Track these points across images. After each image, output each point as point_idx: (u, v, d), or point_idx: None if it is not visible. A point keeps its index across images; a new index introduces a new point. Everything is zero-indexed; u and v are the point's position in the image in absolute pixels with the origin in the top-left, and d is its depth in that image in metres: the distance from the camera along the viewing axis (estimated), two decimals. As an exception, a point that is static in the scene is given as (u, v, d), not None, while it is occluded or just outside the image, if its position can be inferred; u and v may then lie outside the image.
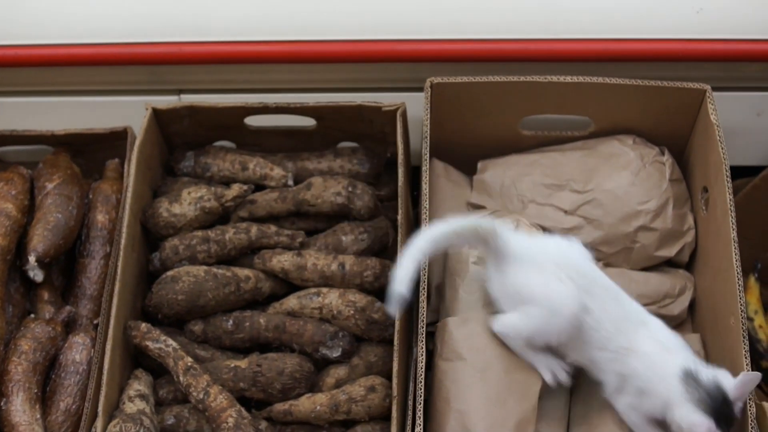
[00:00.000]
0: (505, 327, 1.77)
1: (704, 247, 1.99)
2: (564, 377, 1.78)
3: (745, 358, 1.74)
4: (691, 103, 2.00)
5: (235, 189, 1.99)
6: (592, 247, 1.98)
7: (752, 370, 1.98)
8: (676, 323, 2.00)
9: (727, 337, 1.81)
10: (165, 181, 2.07)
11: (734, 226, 1.81)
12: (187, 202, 1.98)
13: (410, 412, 1.75)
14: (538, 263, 1.76)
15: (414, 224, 1.97)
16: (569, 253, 1.80)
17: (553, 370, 1.78)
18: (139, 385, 1.87)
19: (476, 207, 2.03)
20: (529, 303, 1.74)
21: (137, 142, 1.98)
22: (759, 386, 2.04)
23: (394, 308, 1.72)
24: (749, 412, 1.71)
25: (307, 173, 2.06)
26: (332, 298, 1.92)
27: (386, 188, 2.08)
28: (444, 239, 1.75)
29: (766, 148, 2.19)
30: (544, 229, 1.95)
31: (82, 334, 1.91)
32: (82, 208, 2.03)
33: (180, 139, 2.11)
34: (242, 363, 1.89)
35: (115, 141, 2.11)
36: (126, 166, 2.03)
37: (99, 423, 1.78)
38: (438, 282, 1.95)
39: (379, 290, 1.95)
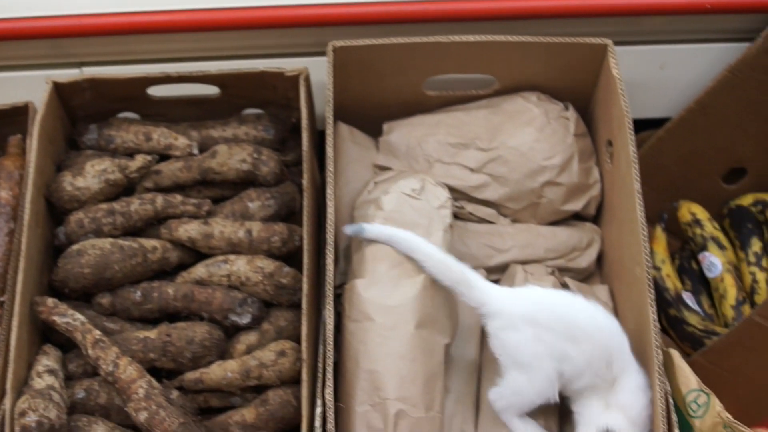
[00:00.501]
0: (497, 400, 1.80)
1: (610, 199, 2.00)
2: None
3: (651, 306, 1.75)
4: (593, 58, 2.01)
5: (139, 160, 1.97)
6: (499, 204, 1.99)
7: (661, 319, 2.02)
8: (584, 276, 2.02)
9: (634, 287, 1.83)
10: (69, 155, 2.04)
11: (638, 178, 1.83)
12: (90, 175, 1.96)
13: (320, 375, 1.75)
14: (514, 320, 1.76)
15: (321, 188, 1.96)
16: (546, 303, 1.79)
17: None
18: (48, 360, 1.85)
19: (382, 168, 2.03)
20: (511, 365, 1.77)
21: (38, 117, 1.95)
22: (668, 335, 2.07)
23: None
24: (656, 360, 1.72)
25: (212, 141, 2.05)
26: (240, 264, 1.91)
27: (292, 154, 2.07)
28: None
29: (670, 100, 2.21)
30: (451, 189, 1.95)
31: (-12, 311, 1.89)
32: (-16, 186, 2.01)
33: (83, 112, 2.08)
34: (152, 333, 1.88)
35: (16, 117, 2.08)
36: (28, 141, 2.00)
37: (7, 400, 1.76)
38: (345, 245, 1.94)
39: (287, 255, 1.95)
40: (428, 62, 2.03)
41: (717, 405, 1.68)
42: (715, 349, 1.86)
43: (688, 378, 1.74)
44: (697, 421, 1.70)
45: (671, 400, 1.70)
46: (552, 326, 1.73)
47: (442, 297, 1.82)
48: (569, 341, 1.72)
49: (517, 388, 1.75)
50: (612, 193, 1.98)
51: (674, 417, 1.68)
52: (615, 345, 1.73)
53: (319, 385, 1.75)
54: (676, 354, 1.76)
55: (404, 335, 1.77)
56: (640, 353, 1.78)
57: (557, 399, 1.75)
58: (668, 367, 1.76)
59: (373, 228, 1.81)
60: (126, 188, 1.99)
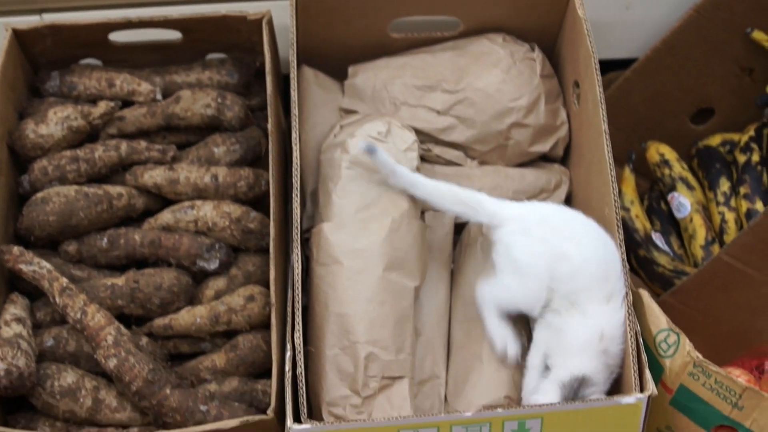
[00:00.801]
0: (484, 292, 1.79)
1: (578, 140, 2.00)
2: (513, 354, 1.78)
3: (620, 247, 1.75)
4: (558, -2, 2.01)
5: (102, 106, 1.95)
6: (466, 146, 1.98)
7: (630, 260, 2.02)
8: (552, 217, 2.01)
9: (604, 227, 1.82)
10: (31, 103, 2.02)
11: (605, 118, 1.82)
12: (53, 122, 1.94)
13: (289, 319, 1.75)
14: (526, 224, 1.77)
15: (287, 133, 1.95)
16: (556, 209, 1.82)
17: (505, 343, 1.78)
18: (15, 309, 1.83)
19: (348, 112, 2.01)
20: (509, 270, 1.76)
21: (-2, 65, 1.93)
22: (638, 275, 2.07)
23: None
24: (627, 300, 1.72)
25: (175, 87, 2.03)
26: (207, 210, 1.90)
27: (257, 98, 2.06)
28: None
29: (637, 40, 2.20)
30: (418, 131, 1.94)
31: (-47, 261, 1.88)
32: (-55, 136, 1.99)
33: (44, 60, 2.05)
34: (119, 280, 1.86)
35: (-24, 66, 2.06)
36: (-11, 89, 1.98)
37: (-26, 349, 1.75)
38: (312, 188, 1.93)
39: (253, 200, 1.94)
40: (393, 4, 2.01)
41: (687, 344, 1.68)
42: (684, 289, 1.86)
43: (657, 318, 1.74)
44: (668, 361, 1.70)
45: (641, 340, 1.71)
46: (559, 226, 1.76)
47: (411, 239, 1.81)
48: (571, 241, 1.74)
49: (507, 289, 1.77)
50: (579, 134, 1.98)
51: (644, 357, 1.68)
52: (612, 259, 1.74)
53: (289, 329, 1.74)
54: (645, 294, 1.76)
55: (373, 278, 1.76)
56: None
57: (539, 312, 1.76)
58: (638, 307, 1.76)
59: (382, 155, 1.80)
60: (90, 135, 1.97)
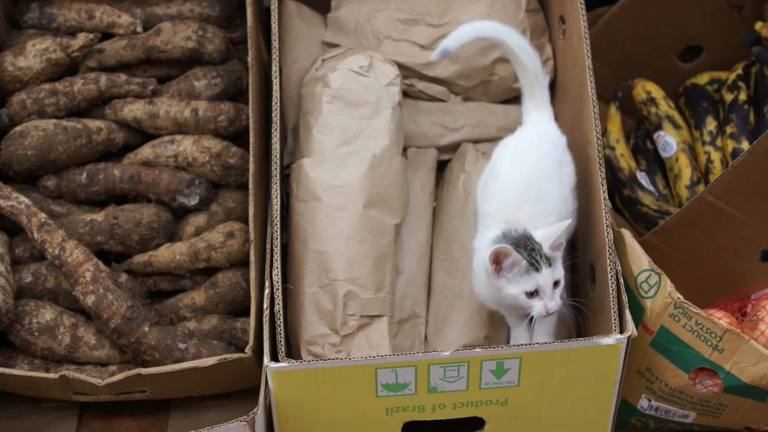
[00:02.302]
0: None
1: (563, 77, 1.97)
2: None
3: (602, 185, 1.74)
4: (546, -68, 1.98)
5: (81, 38, 1.93)
6: (450, 81, 1.96)
7: (615, 199, 2.01)
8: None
9: (587, 165, 1.81)
10: (9, 35, 2.00)
11: (589, 54, 1.80)
12: (32, 54, 1.92)
13: (268, 256, 1.73)
14: None
15: (268, 66, 1.92)
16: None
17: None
18: (-7, 244, 1.83)
19: (331, 45, 1.98)
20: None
21: (-23, -4, 1.91)
22: (622, 215, 2.06)
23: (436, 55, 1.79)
24: (606, 239, 1.71)
25: (156, 19, 2.00)
26: (186, 145, 1.89)
27: (239, 31, 2.03)
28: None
29: (625, -25, 2.17)
30: (401, 66, 1.92)
31: (-70, 195, 1.86)
32: None
33: (24, -10, 2.03)
34: (98, 216, 1.85)
35: (-46, -5, 2.03)
36: (-33, 20, 1.95)
37: (-49, 284, 1.74)
38: (293, 124, 1.91)
39: (234, 135, 1.93)
40: (378, -64, 1.98)
41: (668, 285, 1.67)
42: (666, 229, 1.84)
43: (639, 258, 1.72)
44: (648, 302, 1.69)
45: (622, 280, 1.69)
46: None
47: (392, 176, 1.80)
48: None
49: None
50: (564, 70, 1.95)
51: (625, 297, 1.67)
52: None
53: (267, 266, 1.73)
54: (627, 233, 1.74)
55: (352, 215, 1.75)
56: (591, 233, 1.77)
57: None
58: (619, 246, 1.74)
59: (453, 39, 1.80)
60: (69, 68, 1.96)
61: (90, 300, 1.75)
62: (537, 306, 1.64)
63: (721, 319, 1.76)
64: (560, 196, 1.75)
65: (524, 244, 1.64)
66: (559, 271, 1.66)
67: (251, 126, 1.82)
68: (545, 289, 1.64)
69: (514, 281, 1.64)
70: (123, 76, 1.93)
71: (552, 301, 1.64)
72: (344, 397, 1.66)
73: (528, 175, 1.73)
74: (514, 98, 2.01)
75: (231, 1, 2.03)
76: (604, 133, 2.10)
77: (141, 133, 1.93)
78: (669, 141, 2.07)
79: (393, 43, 1.96)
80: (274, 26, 1.85)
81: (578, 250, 1.85)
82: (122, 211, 1.85)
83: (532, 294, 1.64)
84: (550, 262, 1.64)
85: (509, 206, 1.71)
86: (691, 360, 1.68)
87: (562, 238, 1.65)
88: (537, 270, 1.63)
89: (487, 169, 1.79)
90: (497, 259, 1.62)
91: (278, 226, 1.72)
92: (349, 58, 1.86)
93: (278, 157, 1.77)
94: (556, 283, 1.65)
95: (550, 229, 1.65)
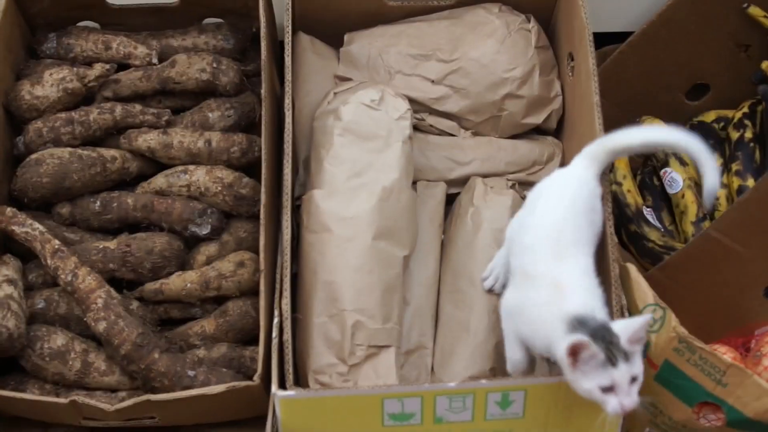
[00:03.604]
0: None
1: (571, 113, 2.00)
2: (521, 368, 1.73)
3: (609, 220, 1.76)
4: (555, -31, 2.00)
5: (98, 68, 1.96)
6: (460, 116, 1.98)
7: (621, 235, 2.02)
8: (544, 190, 2.01)
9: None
10: (27, 64, 2.02)
11: (597, 91, 1.82)
12: (49, 83, 1.94)
13: (278, 286, 1.75)
14: None
15: (281, 99, 1.95)
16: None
17: (516, 365, 1.72)
18: (7, 270, 1.84)
19: (343, 79, 2.01)
20: None
21: (-4, 25, 1.94)
22: (628, 251, 2.08)
23: None
24: (612, 274, 1.73)
25: (171, 51, 2.03)
26: (199, 175, 1.91)
27: (253, 64, 2.06)
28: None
29: (633, 14, 2.19)
30: (412, 100, 1.95)
31: (-54, 221, 1.88)
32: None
33: (42, 21, 2.06)
34: (111, 244, 1.87)
35: (-26, 24, 2.06)
36: (-14, 49, 1.98)
37: (-34, 309, 1.76)
38: (305, 156, 1.94)
39: (246, 166, 1.95)
40: (390, -28, 2.01)
41: (673, 320, 1.69)
42: (672, 264, 1.86)
43: (644, 292, 1.74)
44: (653, 336, 1.71)
45: (627, 315, 1.71)
46: None
47: (401, 208, 1.82)
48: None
49: None
50: (573, 106, 1.98)
51: (630, 331, 1.69)
52: None
53: (277, 296, 1.75)
54: (632, 268, 1.76)
55: (362, 246, 1.77)
56: (598, 267, 1.78)
57: None
58: (625, 281, 1.76)
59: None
60: (85, 98, 1.98)
61: (101, 326, 1.77)
62: (612, 402, 1.54)
63: (725, 354, 1.77)
64: (589, 236, 1.73)
65: (602, 335, 1.54)
66: (637, 367, 1.56)
67: (263, 157, 1.84)
68: (621, 386, 1.54)
69: (590, 375, 1.54)
70: (138, 107, 1.95)
71: (628, 398, 1.54)
72: (351, 426, 1.67)
73: (566, 207, 1.71)
74: (522, 134, 2.03)
75: (245, 35, 2.06)
76: (612, 169, 2.12)
77: (155, 163, 1.95)
78: (675, 177, 2.09)
79: (404, 77, 1.99)
80: (288, 59, 1.88)
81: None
82: (135, 240, 1.87)
83: (607, 389, 1.54)
84: (627, 356, 1.54)
85: (547, 236, 1.69)
86: (694, 394, 1.70)
87: (641, 332, 1.56)
88: (614, 365, 1.53)
89: (523, 208, 1.79)
90: (575, 352, 1.53)
91: (288, 256, 1.74)
92: (360, 91, 1.89)
93: (289, 188, 1.79)
94: (633, 379, 1.55)
95: (630, 322, 1.57)
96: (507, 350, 1.73)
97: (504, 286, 1.79)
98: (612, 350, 1.54)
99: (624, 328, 1.56)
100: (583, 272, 1.67)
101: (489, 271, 1.83)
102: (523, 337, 1.68)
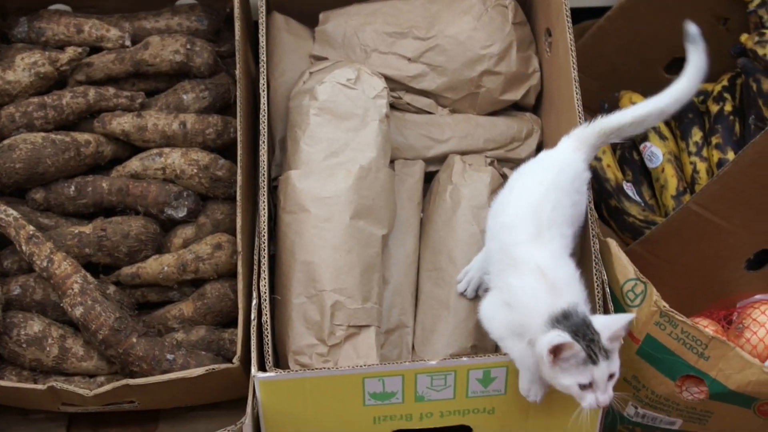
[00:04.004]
0: None
1: (549, 89, 1.99)
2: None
3: (589, 196, 1.75)
4: (530, -55, 1.99)
5: (70, 52, 1.94)
6: (437, 94, 1.97)
7: (601, 210, 2.01)
8: (523, 166, 2.00)
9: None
10: (-1, 49, 2.01)
11: (575, 66, 1.81)
12: (20, 68, 1.92)
13: (256, 267, 1.74)
14: None
15: (256, 80, 1.93)
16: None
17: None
18: (-19, 256, 1.83)
19: (318, 59, 1.99)
20: None
21: (-34, 10, 1.92)
22: (609, 226, 2.07)
23: None
24: (593, 249, 1.72)
25: (145, 33, 2.01)
26: (175, 157, 1.89)
27: (227, 44, 2.04)
28: None
29: (611, -13, 2.18)
30: (388, 79, 1.93)
31: None
32: None
33: (13, 5, 2.04)
34: (86, 228, 1.86)
35: (-58, 10, 2.04)
36: (-44, 34, 1.96)
37: (-61, 296, 1.75)
38: (281, 136, 1.92)
39: (222, 147, 1.93)
40: (365, -50, 2.00)
41: (654, 294, 1.68)
42: (652, 239, 1.85)
43: (625, 267, 1.73)
44: (635, 310, 1.70)
45: (608, 290, 1.70)
46: None
47: (379, 187, 1.80)
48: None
49: None
50: (551, 82, 1.97)
51: (611, 306, 1.68)
52: None
53: (255, 277, 1.73)
54: (613, 243, 1.75)
55: (339, 226, 1.76)
56: (578, 242, 1.77)
57: None
58: (605, 256, 1.75)
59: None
60: (58, 82, 1.96)
61: (78, 311, 1.75)
62: (588, 398, 1.55)
63: (707, 327, 1.77)
64: (572, 217, 1.71)
65: (583, 332, 1.53)
66: (615, 364, 1.56)
67: (239, 138, 1.83)
68: (599, 383, 1.54)
69: (569, 372, 1.54)
70: (111, 90, 1.93)
71: (604, 395, 1.55)
72: (332, 406, 1.67)
73: (548, 187, 1.68)
74: (500, 110, 2.02)
75: (219, 15, 2.04)
76: (591, 145, 2.10)
77: (129, 146, 1.94)
78: (655, 152, 2.08)
79: (380, 56, 1.97)
80: (262, 40, 1.86)
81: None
82: (110, 224, 1.86)
83: (585, 386, 1.55)
84: (607, 354, 1.54)
85: (527, 213, 1.66)
86: (677, 367, 1.69)
87: (622, 331, 1.56)
88: (594, 363, 1.53)
89: (504, 189, 1.76)
90: (556, 351, 1.52)
91: (266, 237, 1.73)
92: (336, 71, 1.87)
93: (266, 169, 1.77)
94: (611, 376, 1.56)
95: (611, 320, 1.56)
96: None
97: (477, 293, 1.79)
98: (593, 348, 1.53)
99: (605, 325, 1.55)
100: (564, 258, 1.66)
101: (463, 274, 1.82)
102: (515, 329, 1.63)
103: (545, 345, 1.52)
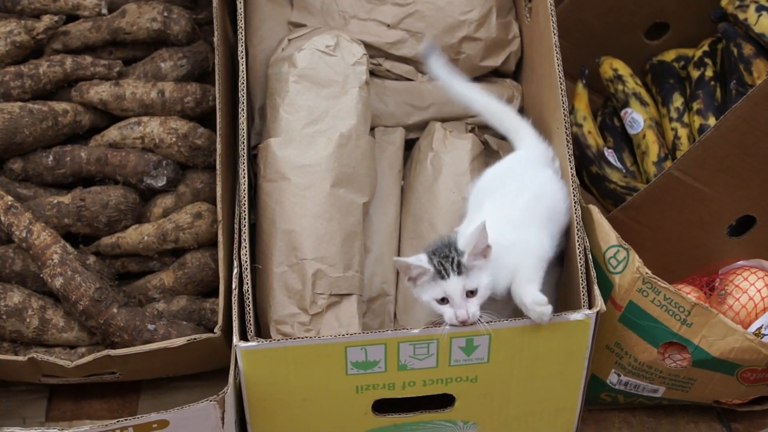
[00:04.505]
0: None
1: (529, 55, 1.98)
2: None
3: (570, 162, 1.74)
4: None
5: (46, 20, 1.92)
6: (417, 60, 1.96)
7: (583, 176, 2.01)
8: (505, 133, 1.99)
9: (555, 143, 1.81)
10: (-27, 18, 1.99)
11: (555, 32, 1.79)
12: (-4, 37, 1.91)
13: (236, 236, 1.73)
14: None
15: (235, 47, 1.91)
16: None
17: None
18: (-41, 228, 1.82)
19: (297, 26, 1.98)
20: None
21: (-61, -23, 1.89)
22: (590, 192, 2.06)
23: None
24: (574, 216, 1.71)
25: (121, 1, 1.99)
26: (153, 126, 1.88)
27: (204, 11, 2.02)
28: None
29: (592, -46, 2.17)
30: (367, 46, 1.92)
31: None
32: None
33: (-13, -27, 2.02)
34: (65, 198, 1.84)
35: None
36: (-70, 2, 1.93)
37: None
38: (260, 104, 1.91)
39: (201, 116, 1.92)
40: None
41: (636, 260, 1.68)
42: (634, 205, 1.85)
43: (607, 234, 1.73)
44: (617, 277, 1.70)
45: (590, 256, 1.70)
46: None
47: (359, 155, 1.79)
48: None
49: None
50: (531, 48, 1.95)
51: (593, 273, 1.67)
52: None
53: (236, 246, 1.72)
54: (595, 210, 1.75)
55: (320, 194, 1.75)
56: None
57: None
58: (587, 223, 1.75)
59: (440, 69, 1.86)
60: (34, 51, 1.94)
61: (58, 282, 1.74)
62: (447, 312, 1.59)
63: (690, 293, 1.77)
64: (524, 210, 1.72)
65: (440, 252, 1.59)
66: (475, 281, 1.59)
67: (218, 107, 1.82)
68: (454, 297, 1.58)
69: (424, 288, 1.60)
70: (88, 58, 1.92)
71: (461, 309, 1.59)
72: (314, 375, 1.66)
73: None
74: (481, 77, 2.01)
75: (196, -19, 2.02)
76: (572, 110, 2.10)
77: (107, 115, 1.92)
78: (636, 118, 2.08)
79: (359, 22, 1.96)
80: (240, 6, 1.84)
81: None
82: (89, 193, 1.84)
83: (443, 300, 1.60)
84: (461, 270, 1.58)
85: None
86: (659, 335, 1.69)
87: (482, 243, 1.59)
88: (443, 278, 1.58)
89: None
90: (406, 271, 1.61)
91: (246, 206, 1.72)
92: (315, 37, 1.86)
93: (245, 137, 1.76)
94: (471, 293, 1.59)
95: (468, 234, 1.60)
96: None
97: None
98: (444, 265, 1.58)
99: (465, 241, 1.60)
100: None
101: None
102: None
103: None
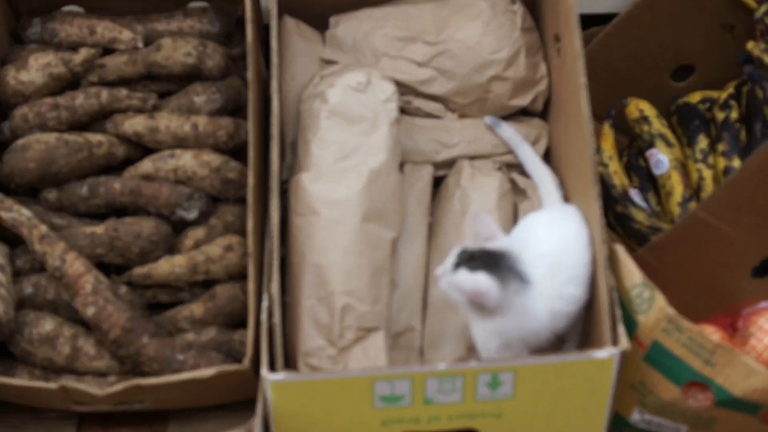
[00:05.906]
0: None
1: (557, 95, 2.00)
2: None
3: (597, 201, 1.76)
4: (525, -48, 2.00)
5: (83, 53, 1.95)
6: (446, 98, 1.98)
7: (608, 216, 2.03)
8: (532, 172, 2.02)
9: (580, 182, 1.83)
10: (12, 50, 2.02)
11: (584, 72, 1.82)
12: (34, 68, 1.94)
13: (267, 269, 1.75)
14: None
15: (267, 83, 1.94)
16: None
17: None
18: (-5, 255, 1.84)
19: (329, 62, 2.01)
20: None
21: (-20, 11, 1.93)
22: (615, 232, 2.08)
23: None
24: (601, 254, 1.73)
25: (156, 35, 2.03)
26: (186, 159, 1.90)
27: (238, 47, 2.05)
28: None
29: (619, -5, 2.20)
30: (398, 83, 1.94)
31: (-68, 207, 1.88)
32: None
33: (26, 6, 2.06)
34: (99, 229, 1.87)
35: (-44, 10, 2.06)
36: (-30, 35, 1.98)
37: (-48, 294, 1.76)
38: (292, 139, 1.94)
39: (233, 150, 1.95)
40: (377, -45, 2.01)
41: (661, 300, 1.69)
42: (659, 245, 1.86)
43: (632, 273, 1.74)
44: (641, 317, 1.71)
45: (615, 295, 1.71)
46: None
47: (389, 191, 1.82)
48: None
49: None
50: (559, 88, 1.98)
51: (618, 312, 1.69)
52: None
53: (266, 279, 1.75)
54: (620, 249, 1.76)
55: (350, 229, 1.77)
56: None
57: None
58: (613, 262, 1.76)
59: (505, 129, 1.97)
60: (70, 83, 1.98)
61: (90, 311, 1.77)
62: None
63: (713, 333, 1.78)
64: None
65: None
66: None
67: (250, 141, 1.84)
68: None
69: None
70: (124, 91, 1.95)
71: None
72: (341, 408, 1.68)
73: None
74: (508, 116, 2.03)
75: (231, 18, 2.05)
76: (598, 150, 2.12)
77: (141, 147, 1.95)
78: (661, 158, 2.10)
79: (390, 60, 1.98)
80: (273, 43, 1.87)
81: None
82: (122, 224, 1.87)
83: None
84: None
85: None
86: (683, 374, 1.70)
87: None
88: None
89: None
90: None
91: (276, 239, 1.74)
92: (347, 74, 1.89)
93: (276, 171, 1.78)
94: None
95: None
96: None
97: None
98: None
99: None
100: None
101: None
102: None
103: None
